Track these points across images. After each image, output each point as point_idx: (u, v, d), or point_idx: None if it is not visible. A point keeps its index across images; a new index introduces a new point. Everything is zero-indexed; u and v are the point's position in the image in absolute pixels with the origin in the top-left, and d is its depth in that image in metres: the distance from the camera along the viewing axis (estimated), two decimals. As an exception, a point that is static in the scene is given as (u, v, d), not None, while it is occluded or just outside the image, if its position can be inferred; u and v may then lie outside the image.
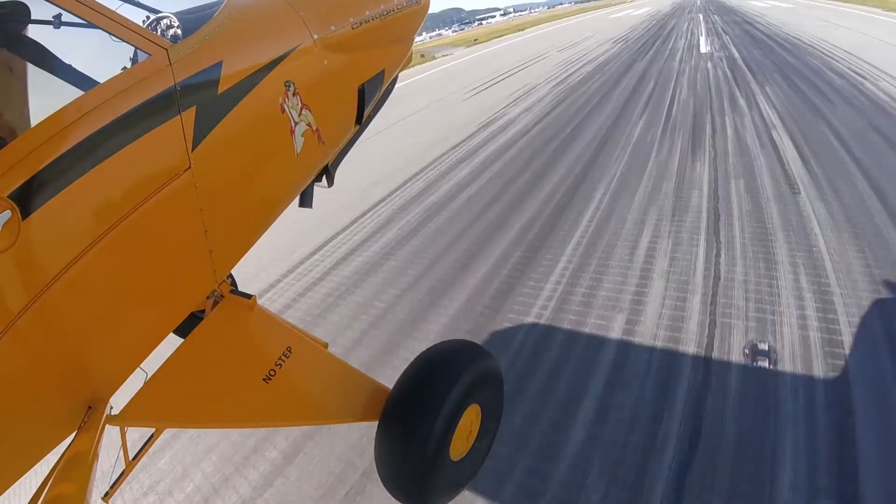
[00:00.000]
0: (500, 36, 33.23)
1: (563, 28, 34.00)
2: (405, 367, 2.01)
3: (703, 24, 24.52)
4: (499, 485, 2.40)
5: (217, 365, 1.87)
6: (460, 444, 1.99)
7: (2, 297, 1.14)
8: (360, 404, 1.95)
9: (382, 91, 2.56)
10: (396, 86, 2.79)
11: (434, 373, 1.96)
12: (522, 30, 36.33)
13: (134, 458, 1.96)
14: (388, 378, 2.03)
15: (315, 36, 1.96)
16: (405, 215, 5.85)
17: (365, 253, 5.06)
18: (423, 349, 2.11)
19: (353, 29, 2.17)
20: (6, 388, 1.21)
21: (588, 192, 5.66)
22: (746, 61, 12.58)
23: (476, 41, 30.36)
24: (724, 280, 3.72)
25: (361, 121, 2.40)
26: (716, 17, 29.47)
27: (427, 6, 2.78)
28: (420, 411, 1.84)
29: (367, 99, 2.35)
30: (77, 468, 1.32)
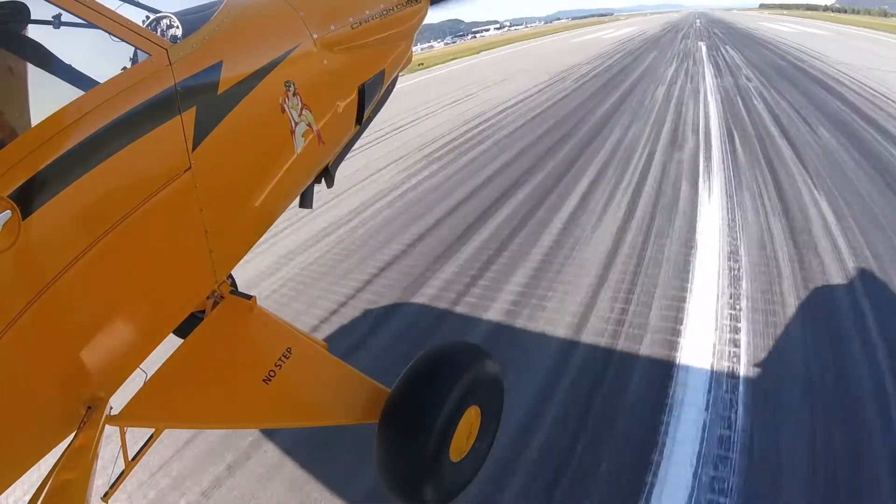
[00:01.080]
0: (454, 59, 26.46)
1: (503, 56, 25.39)
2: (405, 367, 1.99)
3: (709, 71, 12.78)
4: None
5: (217, 365, 1.87)
6: (460, 445, 1.98)
7: (2, 297, 1.14)
8: (360, 405, 1.95)
9: (383, 91, 2.55)
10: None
11: (434, 374, 1.96)
12: (477, 53, 29.90)
13: (133, 459, 1.96)
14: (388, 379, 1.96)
15: (315, 36, 1.96)
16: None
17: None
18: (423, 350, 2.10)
19: (352, 29, 2.17)
20: (6, 387, 1.21)
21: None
22: None
23: (421, 65, 24.29)
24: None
25: (362, 121, 2.39)
26: (729, 49, 17.59)
27: (427, 6, 2.77)
28: (420, 412, 1.84)
29: (368, 99, 2.34)
30: (77, 468, 1.32)
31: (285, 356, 1.88)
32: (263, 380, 1.80)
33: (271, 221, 2.08)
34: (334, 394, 1.97)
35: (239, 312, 1.99)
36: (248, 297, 2.00)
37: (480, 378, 2.03)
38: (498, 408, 2.27)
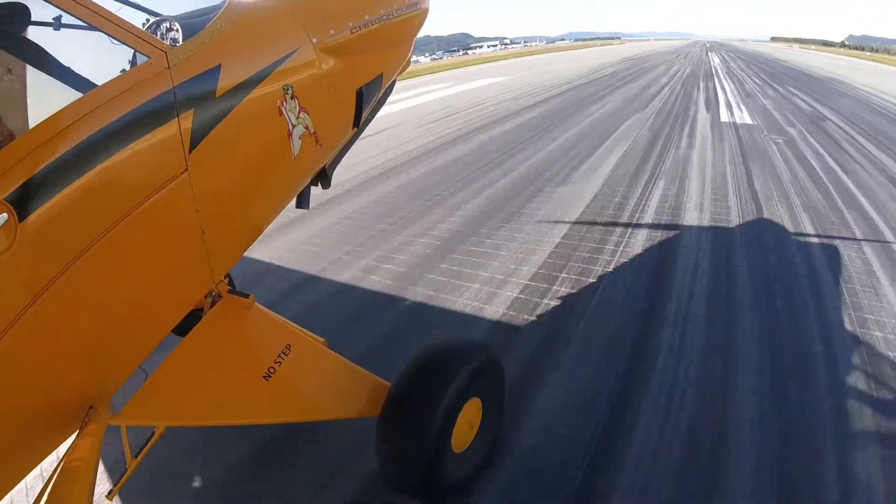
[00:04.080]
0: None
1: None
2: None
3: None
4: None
5: (216, 363, 1.89)
6: (462, 438, 2.02)
7: (1, 299, 1.15)
8: (361, 400, 1.98)
9: (380, 94, 2.57)
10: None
11: (434, 367, 1.99)
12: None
13: (136, 457, 1.98)
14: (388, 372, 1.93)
15: (314, 40, 1.97)
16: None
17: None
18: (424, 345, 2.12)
19: (352, 33, 2.18)
20: (7, 389, 1.22)
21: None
22: None
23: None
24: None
25: (359, 124, 2.41)
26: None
27: (426, 11, 2.78)
28: (419, 406, 1.87)
29: (365, 102, 2.36)
30: (79, 467, 1.34)
31: (284, 353, 1.91)
32: (263, 376, 1.82)
33: (267, 223, 2.10)
34: (334, 389, 2.00)
35: (237, 310, 2.01)
36: (246, 295, 2.02)
37: (481, 370, 2.06)
38: (500, 399, 2.30)
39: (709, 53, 35.55)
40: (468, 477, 2.14)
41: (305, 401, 1.96)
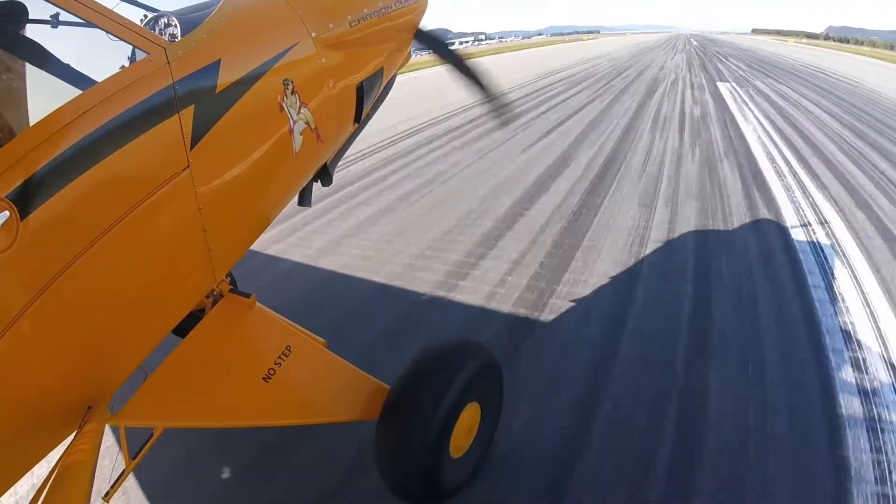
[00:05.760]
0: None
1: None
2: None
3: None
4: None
5: (216, 364, 1.87)
6: (460, 442, 1.99)
7: (1, 297, 1.13)
8: (360, 402, 1.95)
9: (381, 89, 2.55)
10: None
11: (433, 371, 1.96)
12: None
13: (134, 458, 1.96)
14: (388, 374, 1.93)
15: (313, 34, 1.95)
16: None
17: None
18: (423, 347, 2.11)
19: (351, 27, 2.16)
20: (6, 388, 1.20)
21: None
22: None
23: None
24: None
25: (360, 119, 2.39)
26: None
27: (425, 4, 2.77)
28: (419, 409, 1.85)
29: (366, 97, 2.34)
30: (77, 468, 1.32)
31: (285, 354, 1.88)
32: (263, 378, 1.80)
33: (269, 220, 2.08)
34: (334, 391, 1.98)
35: (238, 311, 1.99)
36: (247, 295, 2.00)
37: (480, 374, 2.03)
38: (498, 404, 2.28)
39: (717, 83, 17.12)
40: (465, 481, 2.12)
41: (304, 403, 1.93)
